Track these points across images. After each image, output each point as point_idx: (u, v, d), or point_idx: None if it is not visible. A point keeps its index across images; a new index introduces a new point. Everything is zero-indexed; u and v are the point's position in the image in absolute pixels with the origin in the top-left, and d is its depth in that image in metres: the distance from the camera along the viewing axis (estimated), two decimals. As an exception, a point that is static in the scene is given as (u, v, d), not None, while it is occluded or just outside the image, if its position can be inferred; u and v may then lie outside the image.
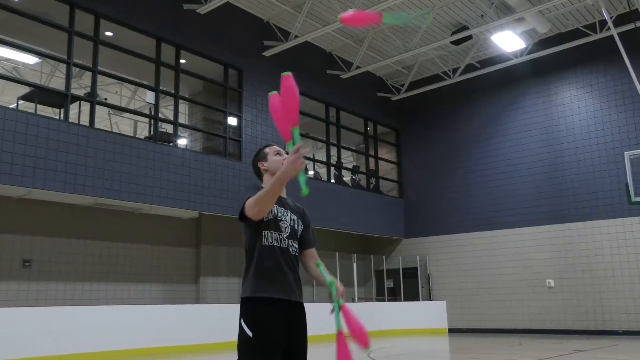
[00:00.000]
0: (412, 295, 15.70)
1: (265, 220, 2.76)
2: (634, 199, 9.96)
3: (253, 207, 2.62)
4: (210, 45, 11.85)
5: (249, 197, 2.67)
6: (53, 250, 10.14)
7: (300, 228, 2.93)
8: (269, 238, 2.78)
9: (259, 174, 3.05)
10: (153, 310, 10.26)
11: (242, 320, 2.70)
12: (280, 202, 2.87)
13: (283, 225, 2.83)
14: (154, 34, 10.91)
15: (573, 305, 13.20)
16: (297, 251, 2.90)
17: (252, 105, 12.50)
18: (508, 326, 14.02)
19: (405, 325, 14.25)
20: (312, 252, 3.02)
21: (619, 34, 10.54)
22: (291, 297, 2.76)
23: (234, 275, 12.79)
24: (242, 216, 2.71)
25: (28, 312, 8.54)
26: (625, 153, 10.33)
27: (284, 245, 2.80)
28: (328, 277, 2.81)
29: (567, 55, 13.70)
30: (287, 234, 2.84)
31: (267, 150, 3.06)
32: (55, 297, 9.99)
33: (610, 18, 11.01)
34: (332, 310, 2.70)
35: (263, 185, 2.91)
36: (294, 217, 2.92)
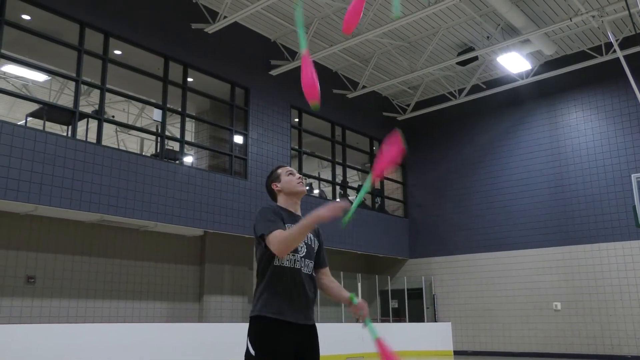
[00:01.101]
0: (417, 316, 15.54)
1: None
2: (641, 221, 9.88)
3: (279, 244, 2.65)
4: (217, 64, 11.96)
5: (274, 230, 2.70)
6: (57, 266, 10.13)
7: (316, 246, 2.97)
8: (283, 259, 2.78)
9: (272, 195, 3.09)
10: (156, 328, 10.19)
11: (248, 339, 2.72)
12: (296, 221, 2.88)
13: (299, 245, 2.84)
14: (162, 52, 11.02)
15: (580, 329, 13.03)
16: (313, 270, 2.92)
17: (258, 123, 12.56)
18: (515, 349, 13.84)
19: (410, 346, 14.07)
20: (326, 270, 3.08)
21: (624, 56, 10.56)
22: (299, 321, 2.76)
23: (238, 294, 12.73)
24: (265, 246, 2.75)
25: (31, 329, 8.49)
26: (633, 175, 10.27)
27: (297, 266, 2.82)
28: (348, 294, 2.92)
29: (573, 77, 13.73)
30: (303, 253, 2.87)
31: (279, 171, 3.09)
32: (58, 314, 9.96)
33: (616, 41, 11.05)
34: (364, 325, 2.83)
35: (278, 204, 3.00)
36: (310, 235, 2.95)
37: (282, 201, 3.01)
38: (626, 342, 12.35)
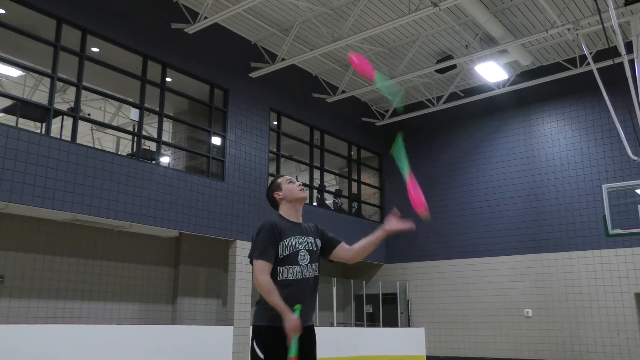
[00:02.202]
0: (391, 321, 15.62)
1: (281, 256, 2.99)
2: (611, 231, 10.09)
3: (256, 281, 2.93)
4: (196, 64, 11.89)
5: (262, 259, 2.95)
6: (27, 266, 9.92)
7: (318, 245, 3.17)
8: (284, 274, 2.98)
9: (274, 204, 3.26)
10: (128, 330, 10.05)
11: (254, 343, 2.93)
12: (298, 230, 3.13)
13: (301, 255, 3.05)
14: (141, 51, 10.91)
15: (550, 335, 13.25)
16: (317, 271, 3.13)
17: (236, 125, 12.51)
18: (486, 355, 14.00)
19: (383, 351, 14.13)
20: (342, 245, 3.28)
21: (598, 69, 10.80)
22: (303, 325, 2.94)
23: (212, 297, 12.63)
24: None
25: (-2, 330, 8.31)
26: (603, 186, 10.49)
27: (299, 277, 3.01)
28: (372, 236, 3.24)
29: (548, 87, 14.00)
30: (307, 261, 3.06)
31: (279, 180, 3.27)
32: (27, 314, 9.75)
33: (590, 54, 11.30)
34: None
35: (281, 213, 3.18)
36: (310, 239, 3.14)
37: (284, 209, 3.19)
38: (594, 349, 12.60)
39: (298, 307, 2.90)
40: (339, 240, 3.29)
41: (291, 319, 2.82)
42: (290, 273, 2.98)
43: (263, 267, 2.92)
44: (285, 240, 3.01)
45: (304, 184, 15.23)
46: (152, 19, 11.22)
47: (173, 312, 12.05)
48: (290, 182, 3.24)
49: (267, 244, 2.97)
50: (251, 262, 2.99)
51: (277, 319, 2.88)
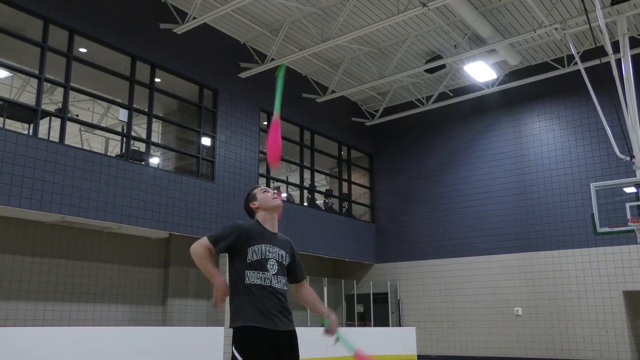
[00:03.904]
0: (382, 320, 15.64)
1: (249, 261, 3.06)
2: (599, 229, 10.17)
3: (193, 251, 3.08)
4: (186, 65, 11.84)
5: (209, 239, 3.08)
6: (15, 268, 9.83)
7: (287, 262, 3.24)
8: (251, 277, 3.04)
9: (252, 213, 3.36)
10: (118, 332, 9.99)
11: (233, 347, 2.96)
12: (271, 239, 3.20)
13: (270, 263, 3.11)
14: (130, 51, 10.85)
15: (540, 333, 13.34)
16: (285, 284, 3.19)
17: (226, 126, 12.47)
18: (477, 353, 14.07)
19: (374, 350, 14.12)
20: (303, 283, 3.40)
21: (585, 68, 10.89)
22: (279, 327, 3.01)
23: (202, 298, 12.58)
24: (233, 262, 3.14)
25: (-15, 333, 8.22)
26: (591, 184, 10.57)
27: (267, 284, 3.06)
28: (323, 312, 3.26)
29: (537, 87, 14.10)
30: (275, 271, 3.11)
31: (254, 191, 3.39)
32: (15, 317, 9.66)
33: (578, 53, 11.40)
34: (336, 340, 3.16)
35: (258, 219, 3.28)
36: (282, 252, 3.21)
37: (260, 217, 3.27)
38: (583, 347, 12.69)
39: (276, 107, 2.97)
40: (300, 278, 3.37)
41: (219, 283, 3.01)
42: (258, 278, 3.04)
43: (203, 244, 3.04)
44: (255, 246, 3.08)
45: (295, 185, 15.34)
46: (140, 19, 11.16)
47: (163, 314, 11.99)
48: (265, 191, 3.35)
49: (225, 237, 3.07)
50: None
51: (250, 318, 2.94)
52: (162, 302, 12.08)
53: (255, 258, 3.07)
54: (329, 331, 3.20)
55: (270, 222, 3.26)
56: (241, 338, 2.95)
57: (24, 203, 8.74)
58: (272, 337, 2.96)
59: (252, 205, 3.32)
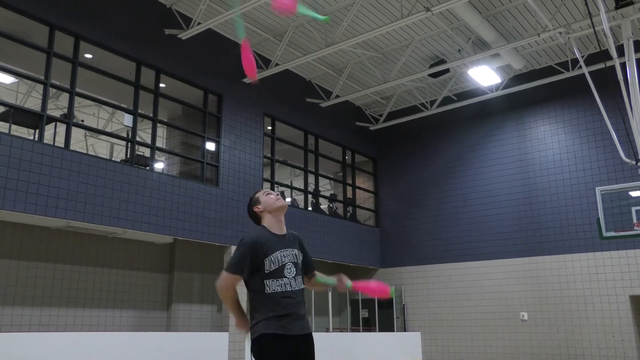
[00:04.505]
0: (387, 325, 15.60)
1: (267, 271, 3.04)
2: (605, 234, 10.12)
3: (220, 290, 3.07)
4: (190, 70, 11.88)
5: (231, 272, 3.03)
6: (20, 273, 9.86)
7: (300, 259, 3.24)
8: (271, 286, 3.03)
9: (256, 219, 3.33)
10: (122, 337, 9.99)
11: (252, 356, 2.98)
12: (282, 242, 3.18)
13: (287, 267, 3.10)
14: (135, 57, 10.89)
15: (546, 338, 13.26)
16: (302, 281, 3.21)
17: (230, 131, 12.50)
18: (482, 359, 13.99)
19: (379, 356, 14.11)
20: (313, 273, 3.42)
21: (590, 72, 10.85)
22: (297, 332, 3.04)
23: (207, 303, 12.58)
24: (251, 277, 3.10)
25: (-9, 338, 8.23)
26: (597, 188, 10.52)
27: (287, 289, 3.06)
28: (329, 280, 3.37)
29: (541, 91, 14.07)
30: (293, 273, 3.13)
31: (257, 195, 3.36)
32: (20, 322, 9.68)
33: (582, 57, 11.36)
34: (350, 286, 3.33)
35: (264, 224, 3.25)
36: (295, 252, 3.21)
37: (266, 221, 3.25)
38: (589, 352, 12.61)
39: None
40: (313, 266, 3.41)
41: (241, 324, 3.09)
42: (278, 285, 3.03)
43: (227, 278, 3.02)
44: (270, 256, 3.06)
45: (299, 189, 15.33)
46: (145, 25, 11.21)
47: (168, 319, 11.99)
48: (268, 194, 3.33)
49: (245, 260, 3.03)
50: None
51: (269, 327, 2.96)
52: (167, 307, 12.08)
53: (273, 268, 3.05)
54: (340, 285, 3.32)
55: (277, 225, 3.24)
56: (259, 347, 2.96)
57: (29, 208, 8.77)
58: (289, 343, 2.97)
59: (256, 209, 3.29)
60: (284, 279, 3.06)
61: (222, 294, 3.06)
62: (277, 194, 3.35)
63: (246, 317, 3.08)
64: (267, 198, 3.29)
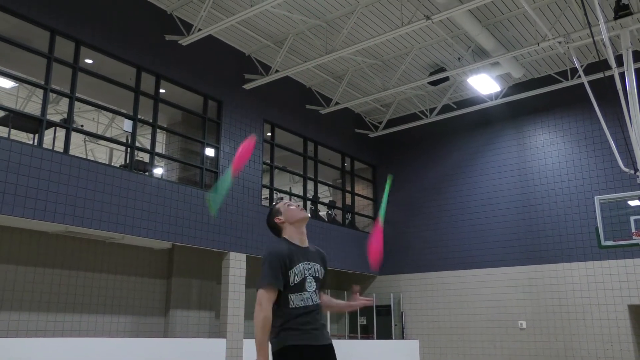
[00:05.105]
0: (385, 333, 15.55)
1: (292, 284, 3.00)
2: (603, 243, 10.12)
3: (256, 310, 2.91)
4: (190, 76, 11.90)
5: (265, 283, 2.93)
6: (18, 278, 9.83)
7: (322, 275, 3.19)
8: (295, 301, 3.00)
9: (276, 230, 3.26)
10: (120, 343, 9.96)
11: None
12: (305, 255, 3.13)
13: (308, 281, 3.06)
14: (135, 62, 10.91)
15: (545, 347, 13.23)
16: (319, 299, 3.17)
17: (230, 137, 12.51)
18: (480, 367, 13.95)
19: (377, 364, 14.06)
20: (324, 292, 3.38)
21: (589, 82, 10.88)
22: (320, 342, 3.02)
23: (205, 309, 12.55)
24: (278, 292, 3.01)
25: (-13, 343, 8.20)
26: (595, 197, 10.54)
27: (309, 303, 3.04)
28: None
29: (540, 100, 14.11)
30: (314, 288, 3.09)
31: (278, 206, 3.30)
32: (17, 327, 9.65)
33: (581, 66, 11.40)
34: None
35: (285, 237, 3.18)
36: (316, 266, 3.16)
37: (288, 232, 3.18)
38: (588, 361, 12.58)
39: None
40: (325, 287, 3.39)
41: (265, 356, 2.86)
42: (301, 300, 3.01)
43: (265, 295, 2.90)
44: (294, 268, 3.01)
45: (298, 196, 15.32)
46: (146, 31, 11.24)
47: (165, 325, 11.95)
48: (289, 205, 3.27)
49: (276, 271, 2.95)
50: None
51: (291, 339, 2.93)
52: (165, 313, 12.05)
53: (296, 280, 3.01)
54: (353, 303, 3.41)
55: (299, 237, 3.17)
56: (285, 357, 2.92)
57: (27, 213, 8.76)
58: (312, 353, 2.95)
59: (277, 221, 3.21)
60: (306, 293, 3.02)
61: (262, 316, 2.85)
62: (299, 205, 3.31)
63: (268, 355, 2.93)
64: (289, 209, 3.23)
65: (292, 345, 2.91)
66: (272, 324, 2.96)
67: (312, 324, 2.99)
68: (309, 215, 3.38)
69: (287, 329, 2.95)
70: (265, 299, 2.89)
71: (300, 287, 3.01)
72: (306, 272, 3.06)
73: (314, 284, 3.08)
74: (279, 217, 3.21)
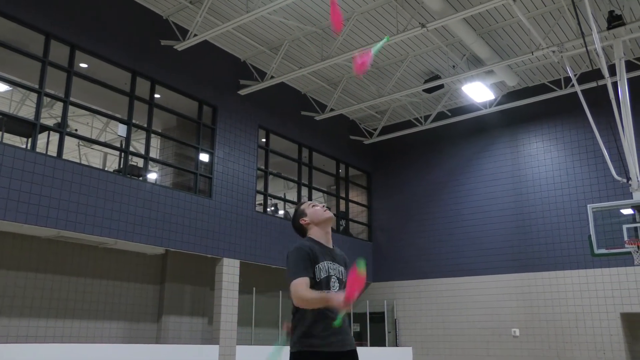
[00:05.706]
0: (378, 340, 15.51)
1: (317, 280, 2.93)
2: (596, 251, 10.16)
3: (298, 299, 2.82)
4: (185, 81, 11.90)
5: (300, 277, 2.84)
6: (9, 283, 9.75)
7: (345, 278, 3.09)
8: None
9: (301, 231, 3.22)
10: (112, 349, 9.89)
11: None
12: (331, 255, 3.10)
13: (332, 281, 3.00)
14: (130, 67, 10.90)
15: (537, 355, 13.23)
16: None
17: (225, 142, 12.49)
18: (473, 375, 13.93)
19: (370, 371, 14.01)
20: None
21: (582, 91, 10.96)
22: (341, 349, 2.93)
23: (198, 315, 12.48)
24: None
25: (-23, 349, 8.13)
26: (588, 206, 10.58)
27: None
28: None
29: (534, 108, 14.18)
30: (336, 289, 3.01)
31: (302, 207, 3.26)
32: (7, 333, 9.55)
33: (575, 76, 11.48)
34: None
35: (311, 236, 3.13)
36: (341, 268, 3.12)
37: (313, 233, 3.15)
38: (581, 369, 12.59)
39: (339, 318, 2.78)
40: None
41: (338, 297, 2.70)
42: None
43: (301, 283, 2.83)
44: (319, 264, 2.97)
45: (292, 202, 15.31)
46: (141, 36, 11.23)
47: (158, 331, 11.88)
48: (313, 205, 3.24)
49: (304, 262, 2.91)
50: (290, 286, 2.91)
51: (313, 342, 2.86)
52: (157, 319, 11.97)
53: (322, 276, 2.95)
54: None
55: (324, 238, 3.14)
56: None
57: (19, 217, 8.70)
58: (334, 358, 2.89)
59: (302, 222, 3.19)
60: (329, 291, 2.96)
61: (306, 298, 2.79)
62: (323, 205, 3.26)
63: (329, 296, 2.80)
64: (314, 210, 3.20)
65: (303, 351, 2.86)
66: (295, 323, 2.93)
67: (334, 328, 2.89)
68: (333, 216, 3.25)
69: (306, 332, 2.89)
70: (299, 287, 2.81)
71: (325, 284, 2.95)
72: (331, 271, 3.01)
73: (337, 284, 3.02)
74: (304, 219, 3.19)
